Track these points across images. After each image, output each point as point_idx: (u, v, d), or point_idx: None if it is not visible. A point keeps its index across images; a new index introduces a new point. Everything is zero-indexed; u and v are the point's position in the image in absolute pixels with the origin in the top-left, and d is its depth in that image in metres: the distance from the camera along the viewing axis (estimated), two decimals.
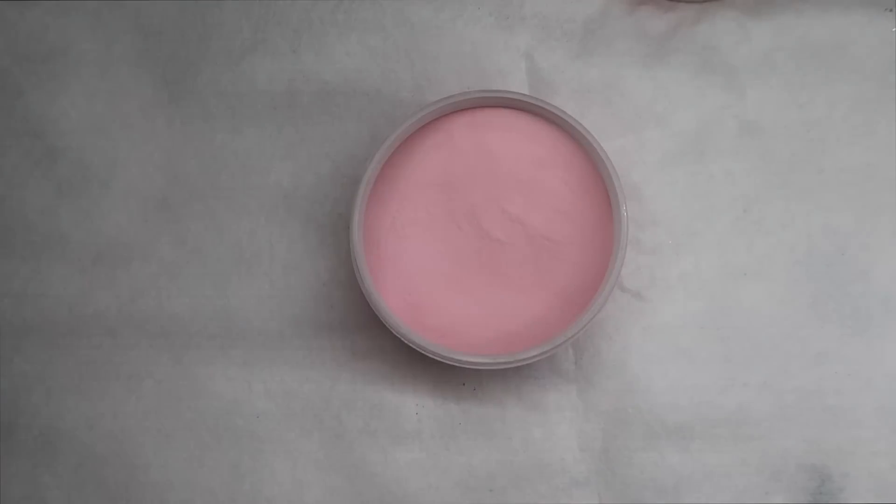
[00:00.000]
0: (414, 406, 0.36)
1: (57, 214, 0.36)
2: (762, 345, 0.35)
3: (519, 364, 0.32)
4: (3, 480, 0.36)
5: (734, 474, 0.35)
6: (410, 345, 0.32)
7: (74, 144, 0.37)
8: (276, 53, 0.36)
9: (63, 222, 0.36)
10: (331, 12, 0.36)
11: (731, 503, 0.35)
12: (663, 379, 0.35)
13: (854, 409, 0.35)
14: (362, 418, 0.36)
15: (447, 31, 0.35)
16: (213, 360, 0.36)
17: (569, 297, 0.33)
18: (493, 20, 0.35)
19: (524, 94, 0.33)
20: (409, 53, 0.35)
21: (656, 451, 0.35)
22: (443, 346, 0.32)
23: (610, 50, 0.35)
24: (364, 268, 0.32)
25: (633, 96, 0.36)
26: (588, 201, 0.34)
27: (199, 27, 0.37)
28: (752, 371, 0.35)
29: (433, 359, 0.32)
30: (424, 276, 0.33)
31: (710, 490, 0.35)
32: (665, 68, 0.35)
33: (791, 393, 0.35)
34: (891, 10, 0.35)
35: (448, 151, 0.33)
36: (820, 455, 0.35)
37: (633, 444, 0.35)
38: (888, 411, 0.35)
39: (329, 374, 0.36)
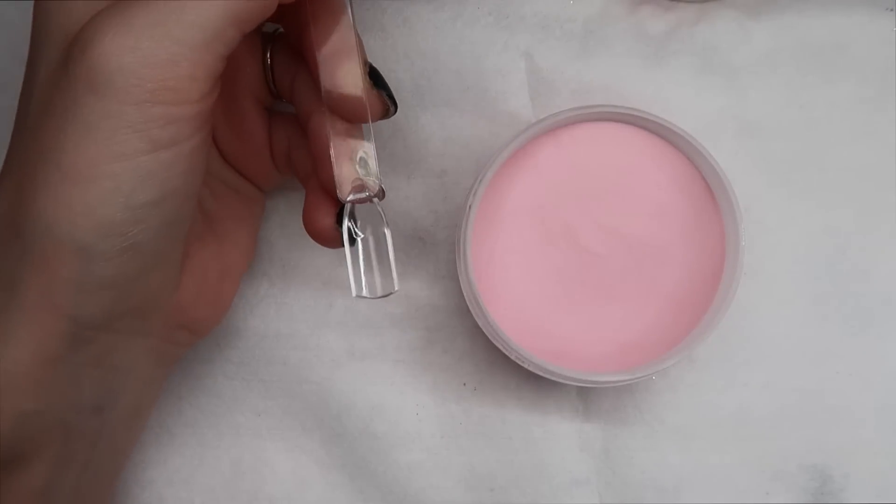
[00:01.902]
0: (414, 406, 0.36)
1: None
2: (762, 344, 0.35)
3: (650, 375, 0.31)
4: None
5: (735, 474, 0.35)
6: (540, 373, 0.31)
7: None
8: None
9: None
10: None
11: (731, 503, 0.35)
12: (663, 378, 0.35)
13: (855, 409, 0.35)
14: (362, 419, 0.36)
15: (446, 31, 0.35)
16: (211, 358, 0.36)
17: (679, 300, 0.33)
18: (492, 20, 0.35)
19: (613, 105, 0.32)
20: (409, 54, 0.35)
21: (656, 450, 0.35)
22: (577, 371, 0.31)
23: (610, 50, 0.35)
24: (483, 304, 0.31)
25: (632, 97, 0.35)
26: (684, 200, 0.33)
27: None
28: (752, 371, 0.35)
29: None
30: (532, 302, 0.33)
31: (710, 490, 0.35)
32: (665, 69, 0.35)
33: (792, 393, 0.35)
34: (891, 10, 0.35)
35: (533, 175, 0.33)
36: (821, 455, 0.35)
37: (633, 443, 0.35)
38: (889, 411, 0.35)
39: (328, 374, 0.36)
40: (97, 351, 0.26)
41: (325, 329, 0.36)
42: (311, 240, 0.36)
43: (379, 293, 0.28)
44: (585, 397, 0.35)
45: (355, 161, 0.27)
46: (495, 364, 0.36)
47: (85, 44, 0.22)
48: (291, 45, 0.30)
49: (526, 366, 0.31)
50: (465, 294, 0.32)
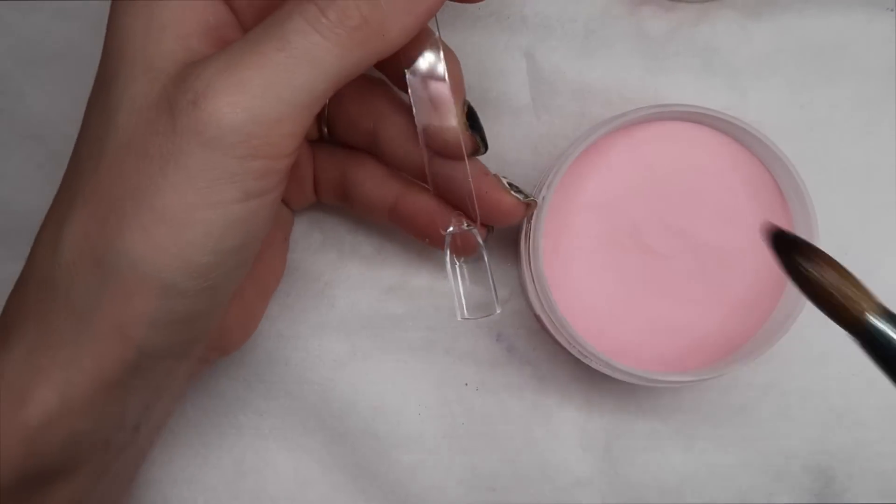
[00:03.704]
0: (416, 406, 0.36)
1: None
2: None
3: (715, 377, 0.31)
4: None
5: (738, 475, 0.35)
6: (605, 370, 0.31)
7: None
8: None
9: None
10: None
11: (735, 503, 0.35)
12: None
13: (858, 410, 0.35)
14: (364, 420, 0.36)
15: (447, 31, 0.35)
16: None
17: (746, 306, 0.32)
18: (493, 20, 0.35)
19: (688, 105, 0.32)
20: None
21: (659, 450, 0.35)
22: (644, 371, 0.31)
23: (611, 50, 0.35)
24: (552, 297, 0.31)
25: (633, 97, 0.36)
26: (755, 204, 0.32)
27: None
28: (755, 371, 0.35)
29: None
30: (593, 300, 0.32)
31: (713, 490, 0.35)
32: (666, 69, 0.35)
33: (795, 393, 0.35)
34: (891, 10, 0.35)
35: (604, 172, 0.32)
36: (824, 456, 0.35)
37: (635, 443, 0.35)
38: (892, 411, 0.35)
39: (330, 374, 0.36)
40: (150, 376, 0.27)
41: (326, 329, 0.36)
42: (311, 241, 0.36)
43: (480, 314, 0.29)
44: (588, 397, 0.35)
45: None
46: (497, 364, 0.36)
47: (197, 97, 0.23)
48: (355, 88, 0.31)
49: (588, 361, 0.31)
50: (527, 287, 0.31)
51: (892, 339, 0.22)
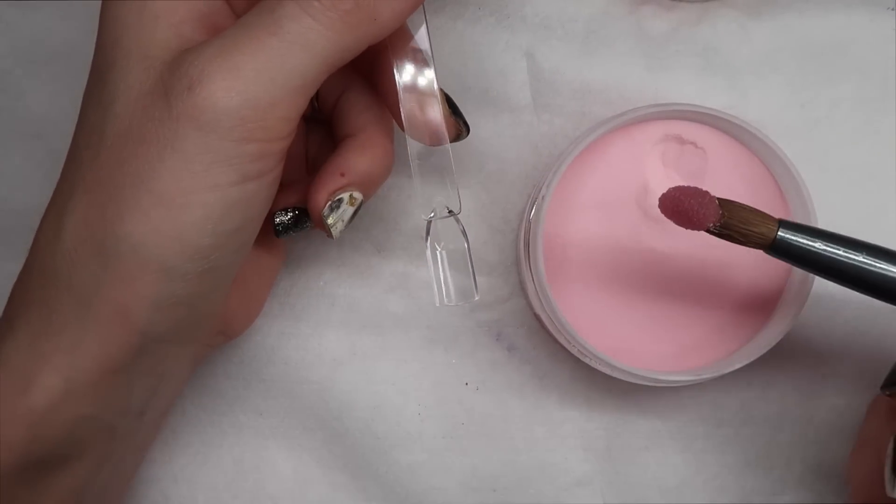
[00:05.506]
0: (416, 406, 0.36)
1: None
2: None
3: (715, 377, 0.31)
4: None
5: (738, 475, 0.35)
6: (605, 370, 0.31)
7: None
8: None
9: None
10: None
11: (736, 503, 0.35)
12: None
13: (859, 408, 0.35)
14: (363, 419, 0.35)
15: (447, 31, 0.35)
16: (212, 358, 0.36)
17: (745, 305, 0.32)
18: (494, 20, 0.35)
19: (691, 105, 0.32)
20: None
21: (659, 449, 0.35)
22: (645, 370, 0.31)
23: (611, 50, 0.35)
24: (551, 296, 0.31)
25: (634, 97, 0.35)
26: (755, 204, 0.32)
27: None
28: (755, 370, 0.35)
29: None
30: (592, 300, 0.32)
31: (713, 490, 0.35)
32: (666, 69, 0.35)
33: (795, 392, 0.35)
34: (892, 10, 0.35)
35: (604, 172, 0.32)
36: (826, 455, 0.35)
37: (635, 442, 0.35)
38: None
39: (329, 373, 0.36)
40: (154, 361, 0.27)
41: (326, 328, 0.36)
42: (312, 239, 0.36)
43: (460, 301, 0.29)
44: (588, 397, 0.35)
45: (332, 201, 0.29)
46: (497, 364, 0.36)
47: (192, 82, 0.23)
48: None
49: (588, 361, 0.31)
50: (527, 286, 0.31)
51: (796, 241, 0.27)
